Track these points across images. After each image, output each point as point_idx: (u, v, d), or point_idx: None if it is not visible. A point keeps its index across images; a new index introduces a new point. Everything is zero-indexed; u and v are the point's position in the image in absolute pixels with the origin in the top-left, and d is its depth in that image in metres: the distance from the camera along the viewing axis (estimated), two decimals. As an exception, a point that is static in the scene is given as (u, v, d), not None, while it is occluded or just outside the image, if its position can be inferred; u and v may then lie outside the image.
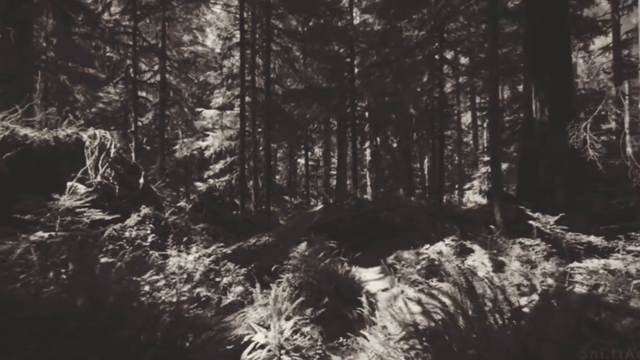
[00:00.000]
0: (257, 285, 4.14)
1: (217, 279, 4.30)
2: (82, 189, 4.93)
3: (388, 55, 11.44)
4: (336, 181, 21.54)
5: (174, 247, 4.73)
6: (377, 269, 8.34)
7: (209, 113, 16.25)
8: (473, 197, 23.01)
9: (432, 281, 3.60)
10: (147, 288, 3.31)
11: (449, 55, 14.25)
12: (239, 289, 4.32)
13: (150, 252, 4.47)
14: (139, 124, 16.43)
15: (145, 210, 5.09)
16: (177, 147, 16.69)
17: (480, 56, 11.64)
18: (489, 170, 22.51)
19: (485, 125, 26.01)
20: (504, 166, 19.91)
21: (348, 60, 16.46)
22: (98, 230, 4.00)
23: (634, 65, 19.78)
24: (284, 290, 4.11)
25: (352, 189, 18.60)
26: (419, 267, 4.25)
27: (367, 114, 17.63)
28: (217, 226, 7.07)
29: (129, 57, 14.02)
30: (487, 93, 17.59)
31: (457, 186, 24.80)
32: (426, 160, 25.24)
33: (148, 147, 15.53)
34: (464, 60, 16.25)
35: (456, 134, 24.33)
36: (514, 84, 17.29)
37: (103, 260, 4.10)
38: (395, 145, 19.45)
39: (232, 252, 4.83)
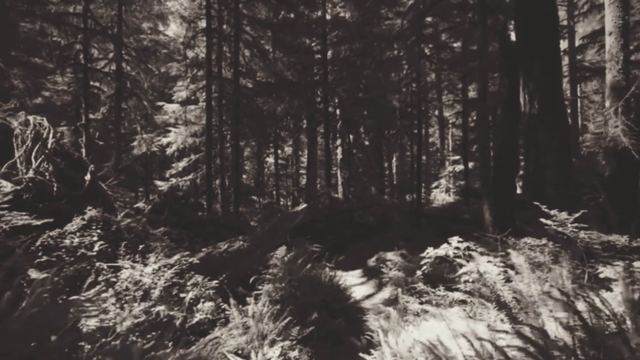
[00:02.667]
0: (232, 301, 3.44)
1: (182, 295, 3.55)
2: (8, 186, 3.97)
3: (366, 47, 11.03)
4: (306, 180, 20.91)
5: (128, 256, 3.91)
6: (358, 272, 7.84)
7: (171, 107, 15.07)
8: (440, 195, 23.51)
9: (439, 290, 3.12)
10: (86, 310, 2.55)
11: (425, 49, 14.13)
12: (209, 305, 3.60)
13: (97, 263, 3.64)
14: (92, 116, 14.89)
15: (91, 212, 4.20)
16: (136, 143, 15.29)
17: (455, 52, 11.58)
18: (455, 169, 23.04)
19: (453, 122, 26.49)
20: (470, 164, 20.34)
21: (319, 56, 15.88)
22: (18, 238, 3.12)
23: (588, 69, 20.92)
24: (264, 306, 3.46)
25: (323, 187, 18.05)
26: (419, 273, 3.76)
27: (338, 111, 17.17)
28: (181, 230, 6.22)
29: (79, 41, 12.57)
30: (458, 90, 17.74)
31: (424, 184, 25.18)
32: (394, 159, 25.36)
33: (101, 143, 14.03)
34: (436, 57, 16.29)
35: (423, 132, 24.63)
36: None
37: (34, 275, 3.27)
38: (367, 143, 19.17)
39: (199, 260, 4.08)
